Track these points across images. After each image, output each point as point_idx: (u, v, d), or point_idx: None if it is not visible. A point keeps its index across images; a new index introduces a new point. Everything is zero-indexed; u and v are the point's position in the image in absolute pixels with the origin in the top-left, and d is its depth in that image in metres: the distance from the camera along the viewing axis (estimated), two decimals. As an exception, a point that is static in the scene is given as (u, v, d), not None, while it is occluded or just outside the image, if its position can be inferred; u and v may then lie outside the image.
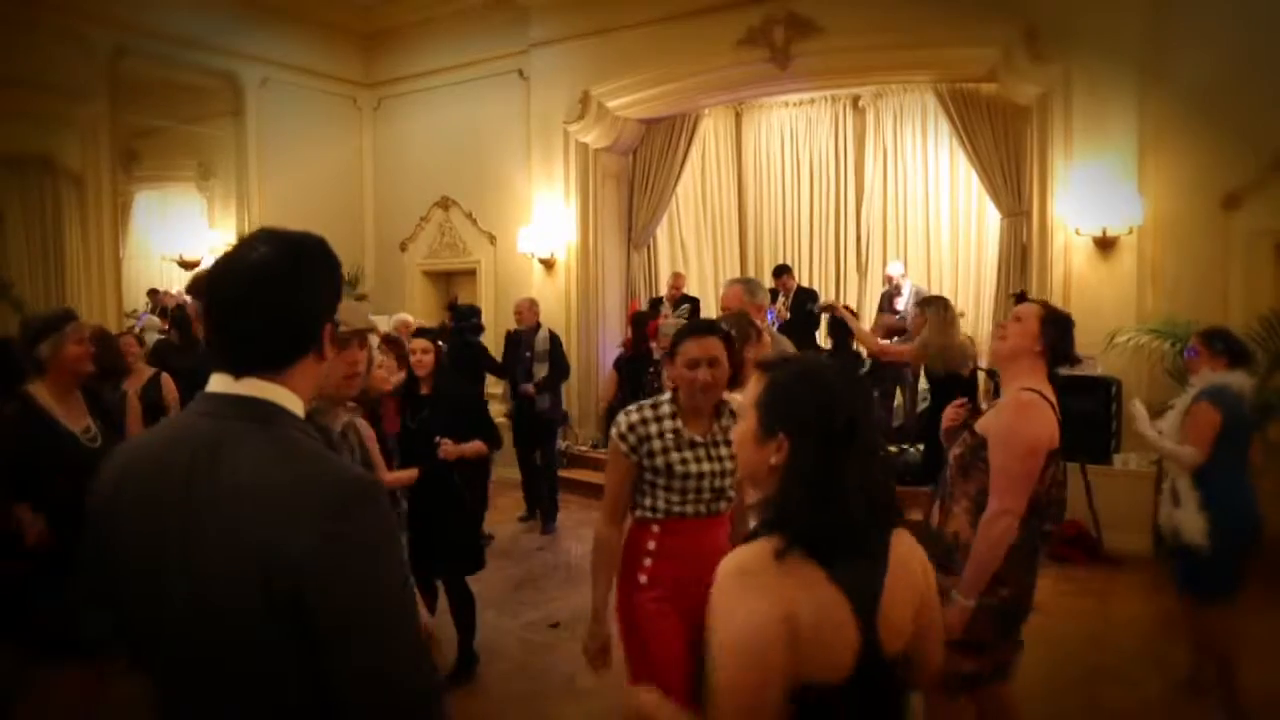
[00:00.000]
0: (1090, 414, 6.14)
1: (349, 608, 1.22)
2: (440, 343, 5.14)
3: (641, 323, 6.56)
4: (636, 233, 10.11)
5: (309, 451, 1.30)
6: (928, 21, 7.37)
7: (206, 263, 10.00)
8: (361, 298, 10.28)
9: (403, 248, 10.80)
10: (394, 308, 9.51)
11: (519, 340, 7.68)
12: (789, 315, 8.80)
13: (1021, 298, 2.99)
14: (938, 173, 10.17)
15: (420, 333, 4.71)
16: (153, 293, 10.90)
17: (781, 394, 1.54)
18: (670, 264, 10.81)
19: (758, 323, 3.32)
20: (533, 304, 7.91)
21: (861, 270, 10.70)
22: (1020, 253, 8.08)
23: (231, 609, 1.23)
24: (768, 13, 8.03)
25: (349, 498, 1.25)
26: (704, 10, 8.37)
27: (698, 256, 11.19)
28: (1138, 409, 4.22)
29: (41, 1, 7.90)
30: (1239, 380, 3.90)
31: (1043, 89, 7.11)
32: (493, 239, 10.11)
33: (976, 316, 9.56)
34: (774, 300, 9.15)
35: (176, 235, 10.64)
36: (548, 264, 9.57)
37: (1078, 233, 6.96)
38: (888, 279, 9.36)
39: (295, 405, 1.35)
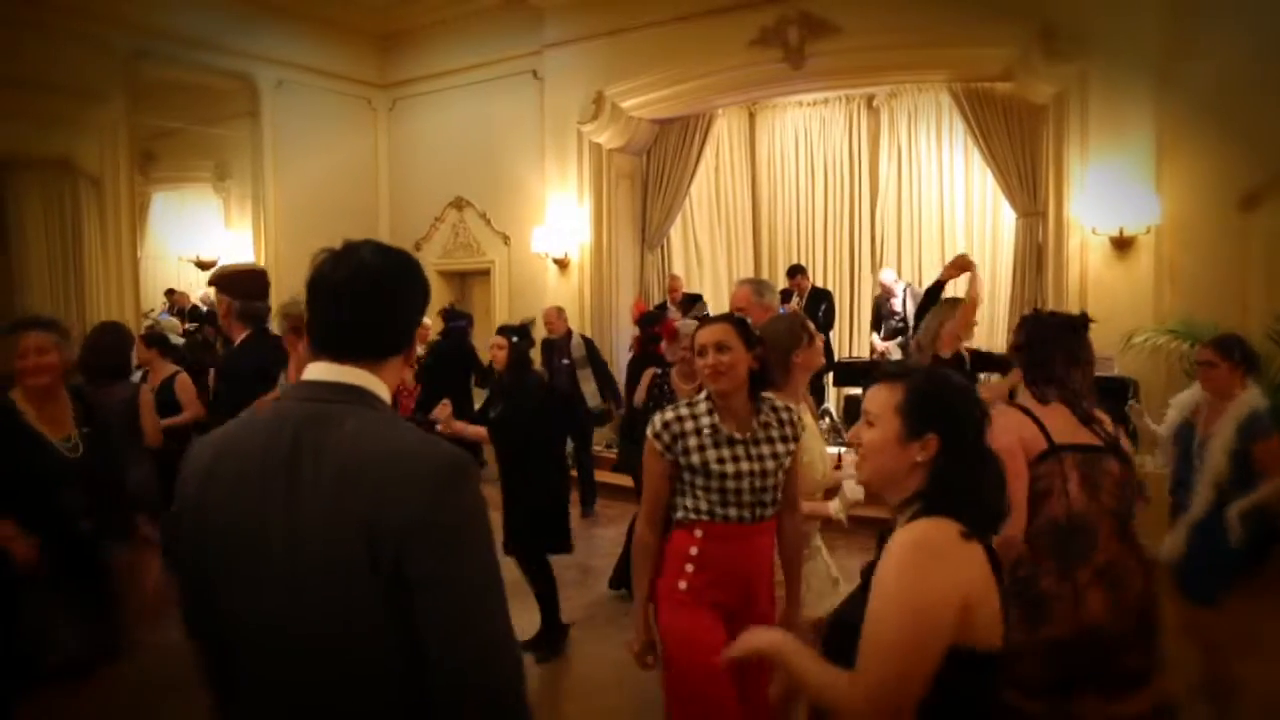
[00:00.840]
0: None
1: (443, 572, 1.32)
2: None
3: (649, 323, 6.51)
4: (650, 233, 10.11)
5: (407, 430, 1.42)
6: (943, 21, 7.34)
7: (223, 262, 10.09)
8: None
9: (417, 248, 10.83)
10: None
11: (553, 347, 8.04)
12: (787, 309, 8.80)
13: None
14: (952, 172, 10.12)
15: (502, 330, 4.93)
16: (170, 293, 10.99)
17: (928, 397, 1.72)
18: (684, 264, 10.79)
19: (810, 326, 3.26)
20: (560, 312, 8.22)
21: (876, 270, 10.66)
22: (1036, 253, 8.04)
23: (334, 572, 1.32)
24: (781, 12, 8.02)
25: (448, 472, 1.35)
26: (717, 10, 8.37)
27: (711, 257, 11.17)
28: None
29: (60, 5, 7.96)
30: (1257, 392, 3.86)
31: (1059, 88, 7.07)
32: (507, 239, 10.14)
33: (991, 317, 9.50)
34: (788, 300, 9.14)
35: (193, 236, 10.73)
36: (561, 264, 9.59)
37: (1094, 232, 6.92)
38: (881, 285, 9.47)
39: (382, 390, 1.46)
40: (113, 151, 8.55)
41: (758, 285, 4.47)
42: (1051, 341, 2.84)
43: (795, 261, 10.18)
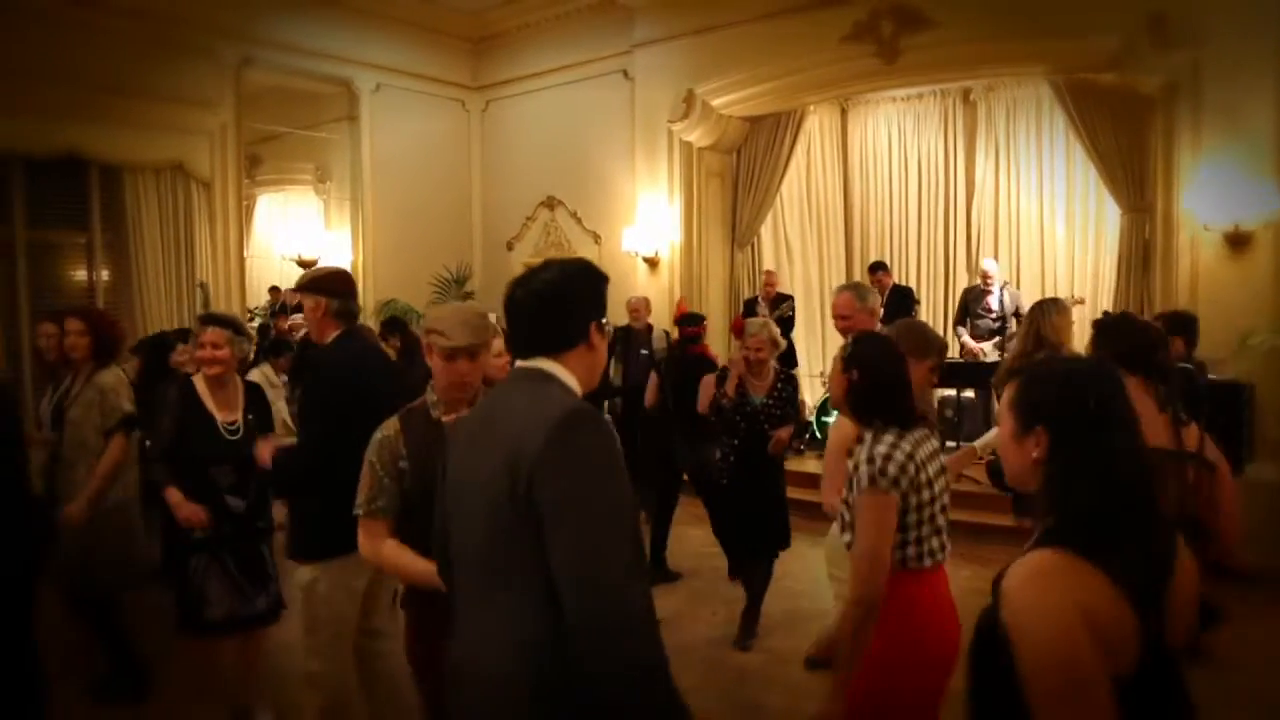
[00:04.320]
0: (1221, 421, 5.81)
1: (563, 498, 1.60)
2: None
3: (687, 324, 6.40)
4: (740, 231, 10.07)
5: (557, 394, 1.76)
6: (1043, 10, 7.11)
7: (323, 262, 10.43)
8: (468, 295, 10.52)
9: (509, 247, 11.02)
10: (500, 305, 9.70)
11: (629, 336, 7.83)
12: (883, 312, 8.59)
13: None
14: (1052, 167, 9.78)
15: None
16: (274, 290, 11.40)
17: (1031, 388, 1.61)
18: (774, 263, 10.70)
19: (929, 335, 3.24)
20: (647, 302, 8.19)
21: (971, 269, 10.38)
22: (1142, 250, 7.73)
23: (492, 503, 1.68)
24: (874, 6, 7.89)
25: (572, 417, 1.65)
26: (809, 6, 8.28)
27: (802, 255, 11.05)
28: None
29: (174, 19, 8.38)
30: None
31: (1169, 78, 6.77)
32: (597, 238, 10.23)
33: (1094, 317, 9.16)
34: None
35: (295, 236, 11.10)
36: (652, 263, 9.62)
37: (1206, 228, 6.61)
38: (983, 274, 8.92)
39: (564, 375, 1.81)
40: (222, 156, 8.94)
41: (859, 290, 4.41)
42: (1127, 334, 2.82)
43: (887, 260, 9.98)
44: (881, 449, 2.48)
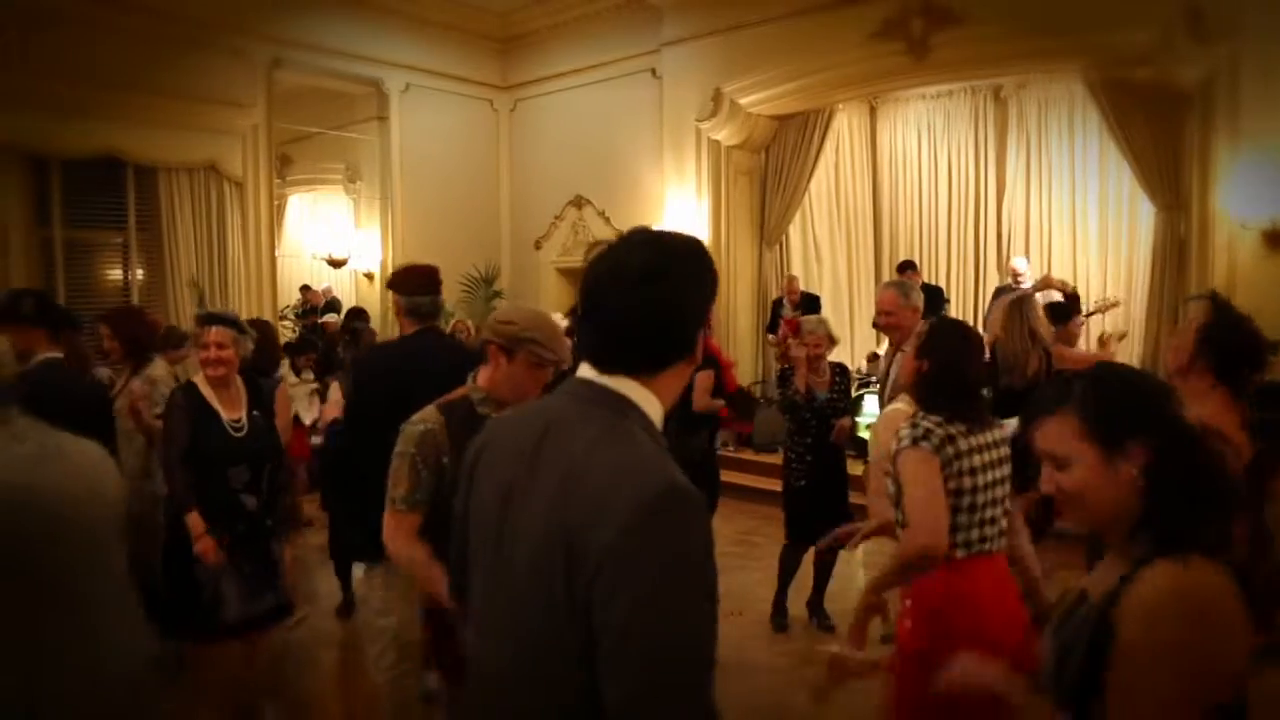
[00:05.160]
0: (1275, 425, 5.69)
1: (632, 610, 1.15)
2: None
3: None
4: (769, 230, 10.04)
5: (640, 447, 1.27)
6: (1076, 4, 7.02)
7: (353, 263, 10.52)
8: (496, 295, 10.57)
9: (537, 246, 11.05)
10: (528, 304, 9.74)
11: None
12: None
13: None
14: (1085, 164, 9.66)
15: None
16: (305, 289, 11.51)
17: (1111, 397, 1.44)
18: (803, 261, 10.67)
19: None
20: None
21: (1002, 268, 10.28)
22: (1177, 248, 7.61)
23: (536, 574, 1.26)
24: (904, 3, 7.83)
25: (662, 499, 1.19)
26: (838, 3, 8.23)
27: (831, 254, 10.99)
28: None
29: (207, 22, 8.50)
30: None
31: (1207, 72, 6.67)
32: (624, 237, 10.22)
33: (1128, 317, 9.05)
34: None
35: (326, 235, 11.20)
36: (679, 261, 9.59)
37: (1244, 226, 6.50)
38: (1013, 272, 8.84)
39: (649, 404, 1.33)
40: (254, 156, 9.04)
41: (903, 288, 4.46)
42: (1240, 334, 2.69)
43: (916, 259, 9.90)
44: (925, 424, 2.50)
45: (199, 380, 3.76)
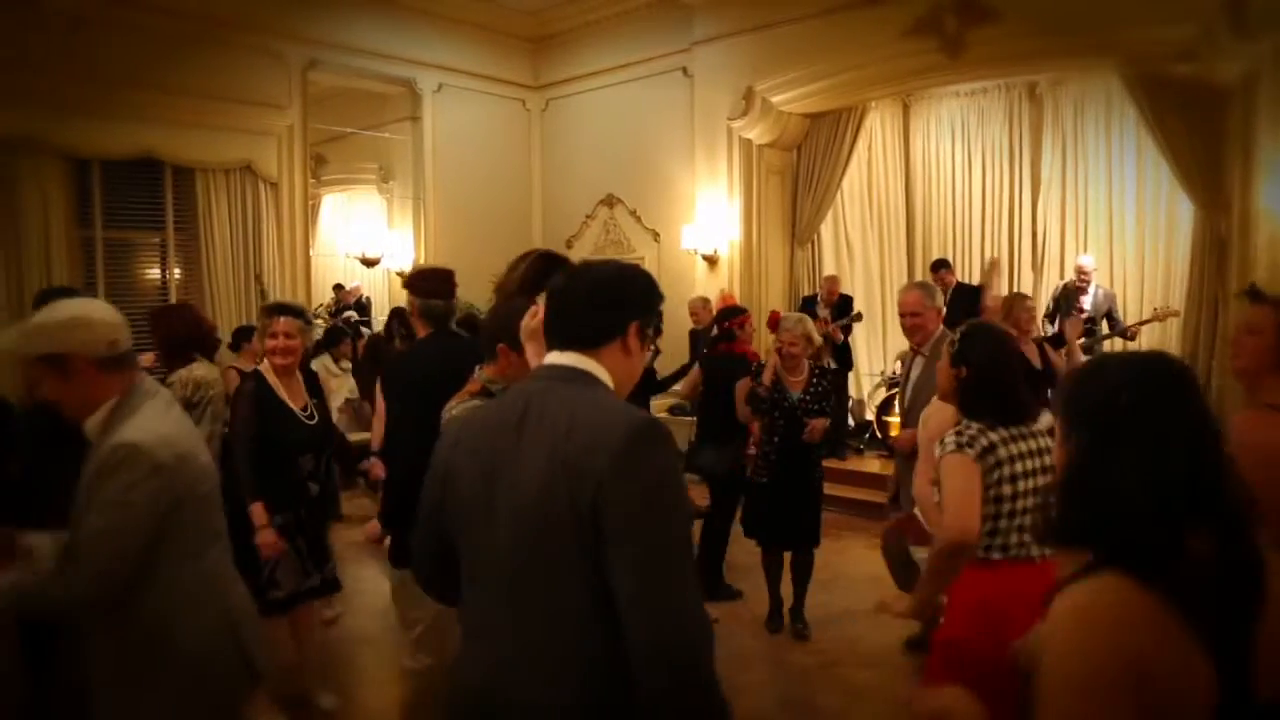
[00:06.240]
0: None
1: (629, 515, 1.51)
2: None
3: (721, 319, 6.17)
4: (800, 229, 9.99)
5: (610, 402, 1.66)
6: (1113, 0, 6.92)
7: (386, 262, 10.62)
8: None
9: (568, 245, 11.07)
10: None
11: (699, 337, 7.99)
12: (945, 311, 8.45)
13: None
14: (1122, 163, 9.52)
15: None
16: (338, 288, 11.64)
17: (1070, 389, 1.44)
18: (835, 260, 10.61)
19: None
20: (705, 303, 8.28)
21: (1037, 267, 10.16)
22: (1217, 248, 7.47)
23: (544, 514, 1.56)
24: (937, 0, 7.75)
25: (645, 431, 1.56)
26: (870, 1, 8.17)
27: (863, 253, 10.92)
28: None
29: (243, 25, 8.62)
30: None
31: (1249, 67, 6.54)
32: (656, 236, 10.23)
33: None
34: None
35: (359, 235, 11.30)
36: (711, 261, 9.60)
37: (1287, 224, 6.38)
38: (1079, 270, 8.61)
39: (603, 375, 1.70)
40: (288, 156, 9.14)
41: (927, 288, 4.50)
42: None
43: (949, 257, 9.82)
44: (970, 432, 2.56)
45: (265, 369, 3.90)
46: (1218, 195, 7.39)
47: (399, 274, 10.66)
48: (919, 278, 10.47)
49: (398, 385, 3.57)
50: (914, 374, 4.62)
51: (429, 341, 3.62)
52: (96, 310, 2.23)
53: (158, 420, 2.18)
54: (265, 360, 3.94)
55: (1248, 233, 6.66)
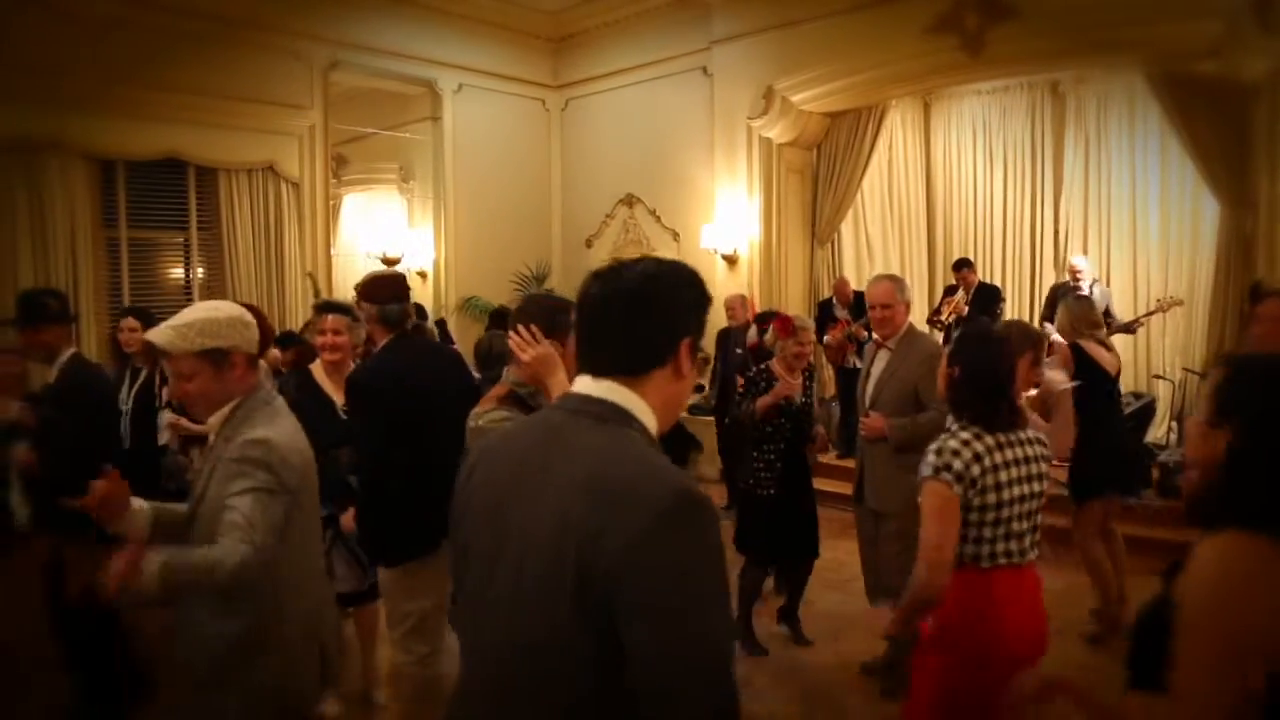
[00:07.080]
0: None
1: (658, 632, 1.22)
2: None
3: (765, 320, 6.04)
4: (820, 228, 9.96)
5: (641, 453, 1.35)
6: (1138, -4, 6.85)
7: (406, 261, 10.66)
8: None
9: (588, 244, 11.09)
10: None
11: (730, 335, 7.92)
12: (967, 310, 8.43)
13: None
14: (1146, 161, 9.44)
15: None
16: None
17: (1236, 381, 1.54)
18: (855, 260, 10.57)
19: (1026, 329, 3.25)
20: (743, 300, 8.21)
21: (1059, 266, 10.10)
22: (1244, 247, 7.38)
23: (548, 580, 1.29)
24: (959, -3, 7.70)
25: (673, 506, 1.25)
26: (890, -2, 8.13)
27: (883, 252, 10.88)
28: None
29: (266, 25, 8.68)
30: None
31: (1275, 64, 6.46)
32: (676, 235, 10.23)
33: (1190, 317, 8.83)
34: (952, 295, 8.80)
35: (380, 234, 11.36)
36: (730, 260, 9.59)
37: (1314, 222, 6.30)
38: (1071, 270, 8.67)
39: (643, 412, 1.42)
40: (310, 156, 9.20)
41: (898, 281, 4.52)
42: None
43: (971, 256, 9.76)
44: (953, 444, 2.51)
45: (314, 367, 4.01)
46: (1244, 192, 7.30)
47: (419, 273, 10.72)
48: (941, 277, 10.45)
49: (368, 397, 3.46)
50: (876, 368, 4.51)
51: (395, 349, 3.54)
52: (245, 312, 2.41)
53: (284, 421, 2.40)
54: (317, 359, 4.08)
55: (1275, 230, 6.58)
